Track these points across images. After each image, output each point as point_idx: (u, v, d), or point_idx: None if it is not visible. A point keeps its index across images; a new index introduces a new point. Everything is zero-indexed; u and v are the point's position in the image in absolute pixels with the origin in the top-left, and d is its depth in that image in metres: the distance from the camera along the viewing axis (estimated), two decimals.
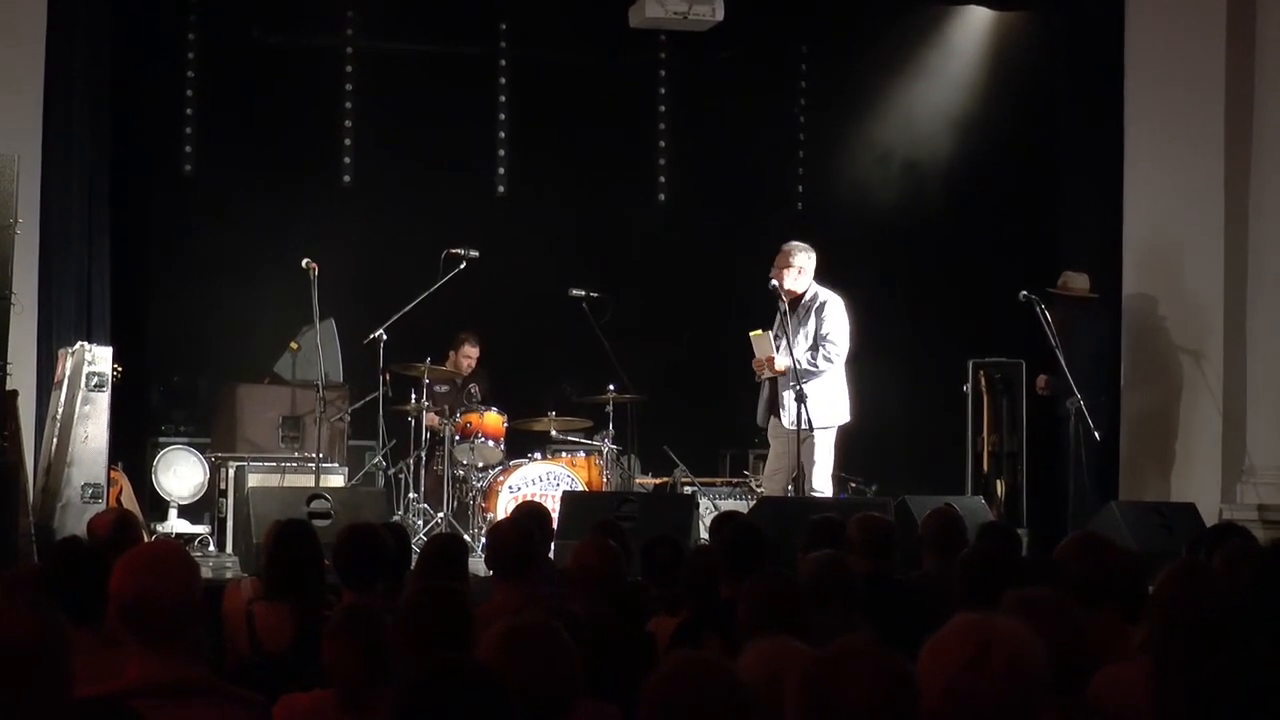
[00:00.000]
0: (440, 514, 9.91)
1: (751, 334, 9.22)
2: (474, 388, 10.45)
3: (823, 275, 9.47)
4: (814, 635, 3.96)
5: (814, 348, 9.05)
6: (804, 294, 9.17)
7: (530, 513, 6.62)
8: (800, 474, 8.91)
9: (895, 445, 10.98)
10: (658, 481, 11.02)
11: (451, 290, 10.06)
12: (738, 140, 12.18)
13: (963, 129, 11.64)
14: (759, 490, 9.49)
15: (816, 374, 8.98)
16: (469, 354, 10.79)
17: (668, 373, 10.76)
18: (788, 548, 6.05)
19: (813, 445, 8.95)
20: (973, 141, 11.61)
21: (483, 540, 9.67)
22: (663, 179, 12.60)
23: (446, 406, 10.33)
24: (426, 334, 10.21)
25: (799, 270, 9.17)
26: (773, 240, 9.44)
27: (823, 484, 9.04)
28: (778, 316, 9.15)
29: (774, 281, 9.11)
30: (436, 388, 10.56)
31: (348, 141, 11.89)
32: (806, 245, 9.25)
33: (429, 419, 10.20)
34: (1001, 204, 11.58)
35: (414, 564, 5.18)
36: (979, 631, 2.66)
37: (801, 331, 9.06)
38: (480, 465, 10.18)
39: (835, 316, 9.12)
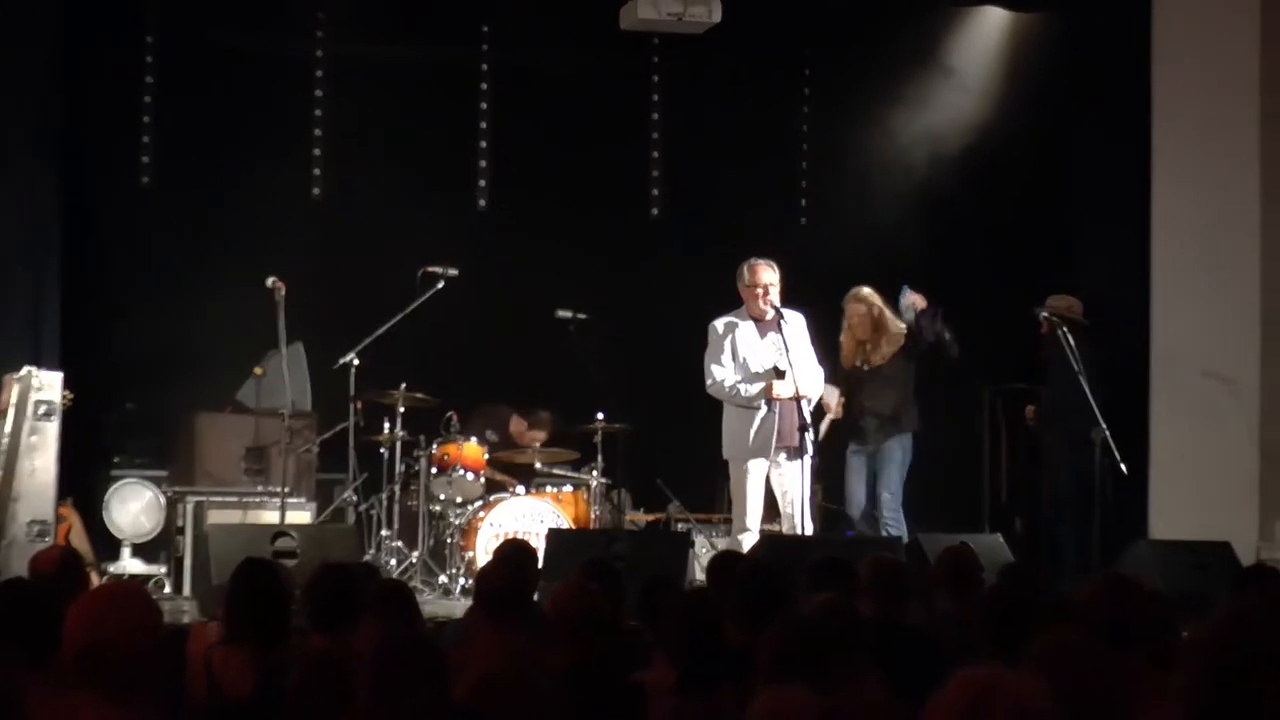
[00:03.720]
0: (415, 553, 9.89)
1: None
2: (452, 416, 10.43)
3: (828, 291, 9.46)
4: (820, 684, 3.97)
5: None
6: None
7: (515, 551, 6.58)
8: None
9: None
10: (650, 518, 11.01)
11: (429, 311, 10.07)
12: (737, 150, 12.17)
13: (977, 137, 11.65)
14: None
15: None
16: (536, 436, 10.93)
17: (661, 400, 10.76)
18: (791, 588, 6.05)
19: None
20: (987, 150, 11.62)
21: (460, 581, 9.67)
22: (656, 192, 12.61)
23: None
24: (401, 358, 10.21)
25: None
26: (775, 257, 9.45)
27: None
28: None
29: (776, 302, 9.20)
30: (487, 434, 10.59)
31: (317, 152, 11.89)
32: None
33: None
34: (1018, 218, 11.58)
35: (366, 610, 5.10)
36: (981, 682, 2.71)
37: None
38: (459, 500, 10.17)
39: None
